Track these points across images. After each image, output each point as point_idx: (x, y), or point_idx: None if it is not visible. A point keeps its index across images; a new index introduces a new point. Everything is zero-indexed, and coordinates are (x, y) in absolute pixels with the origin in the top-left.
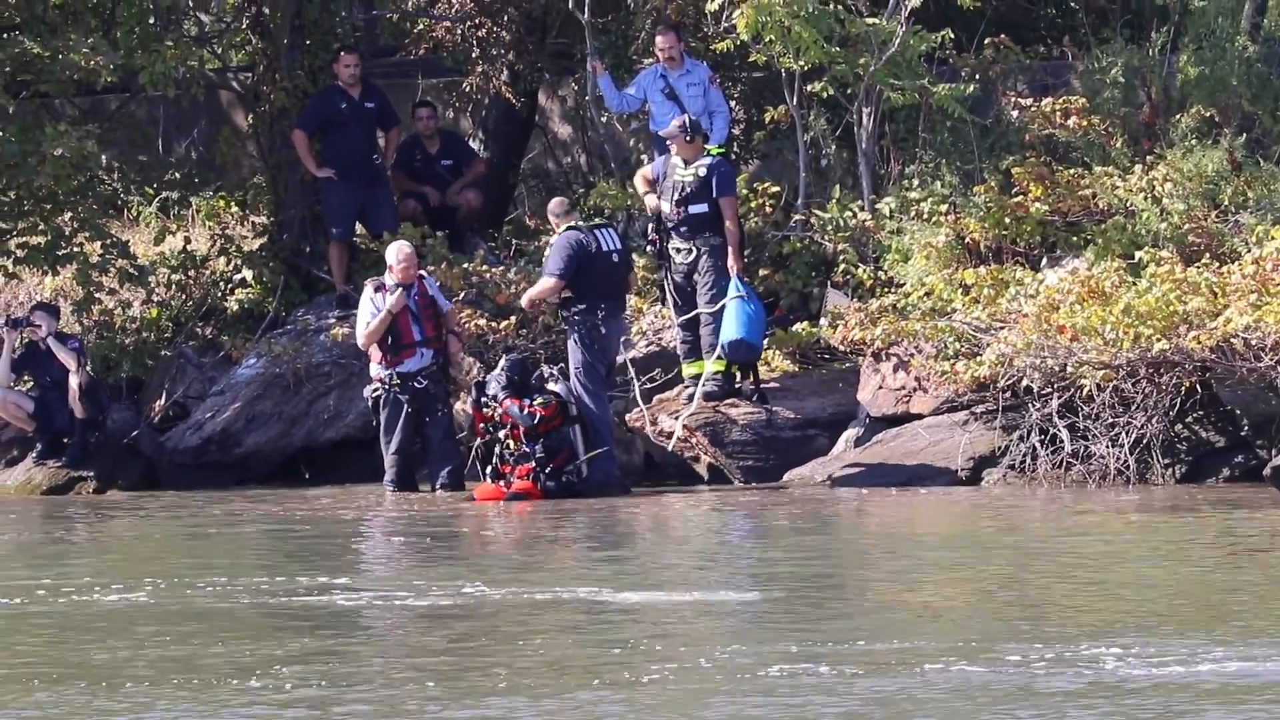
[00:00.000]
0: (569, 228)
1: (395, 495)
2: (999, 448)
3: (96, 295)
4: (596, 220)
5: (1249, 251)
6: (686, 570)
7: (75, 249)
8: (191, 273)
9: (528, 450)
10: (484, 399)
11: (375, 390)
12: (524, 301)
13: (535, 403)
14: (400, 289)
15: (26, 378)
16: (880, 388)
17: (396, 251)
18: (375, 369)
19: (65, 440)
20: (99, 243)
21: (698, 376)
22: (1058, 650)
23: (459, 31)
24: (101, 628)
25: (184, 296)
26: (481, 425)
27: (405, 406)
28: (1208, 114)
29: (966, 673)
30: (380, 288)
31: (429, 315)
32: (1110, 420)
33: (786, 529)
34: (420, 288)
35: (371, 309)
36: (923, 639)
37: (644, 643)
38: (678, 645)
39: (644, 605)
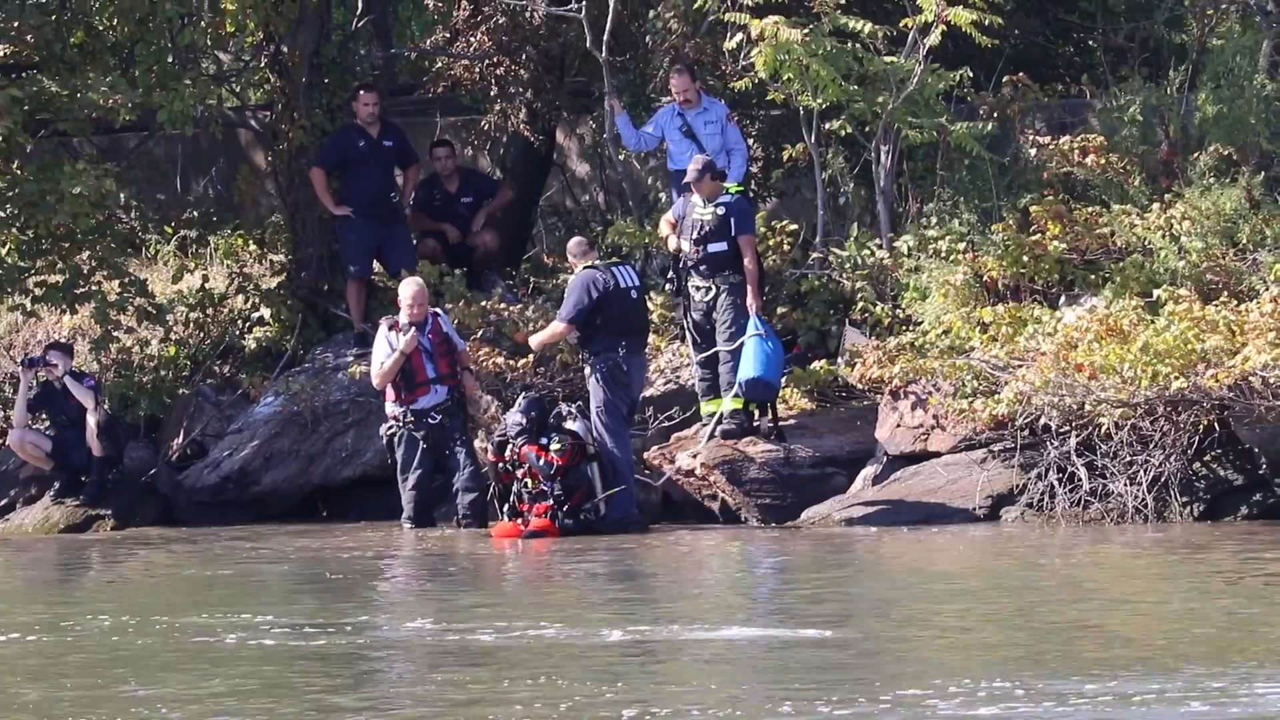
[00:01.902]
0: (587, 266)
1: (412, 532)
2: (1017, 486)
3: (114, 334)
4: (614, 258)
5: (1267, 289)
6: (694, 608)
7: (93, 287)
8: (209, 311)
9: (545, 489)
10: (503, 439)
11: (390, 428)
12: (533, 344)
13: (553, 449)
14: (413, 328)
15: (43, 416)
16: (898, 426)
17: (406, 292)
18: (390, 407)
19: (83, 478)
20: (117, 281)
21: (716, 414)
22: (1059, 687)
23: (477, 70)
24: (92, 664)
25: (202, 335)
26: (500, 466)
27: (421, 443)
28: (1226, 152)
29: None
30: (394, 326)
31: (443, 352)
32: (1128, 458)
33: (800, 567)
34: (434, 325)
35: (386, 348)
36: (923, 676)
37: (625, 681)
38: (666, 684)
39: (640, 643)
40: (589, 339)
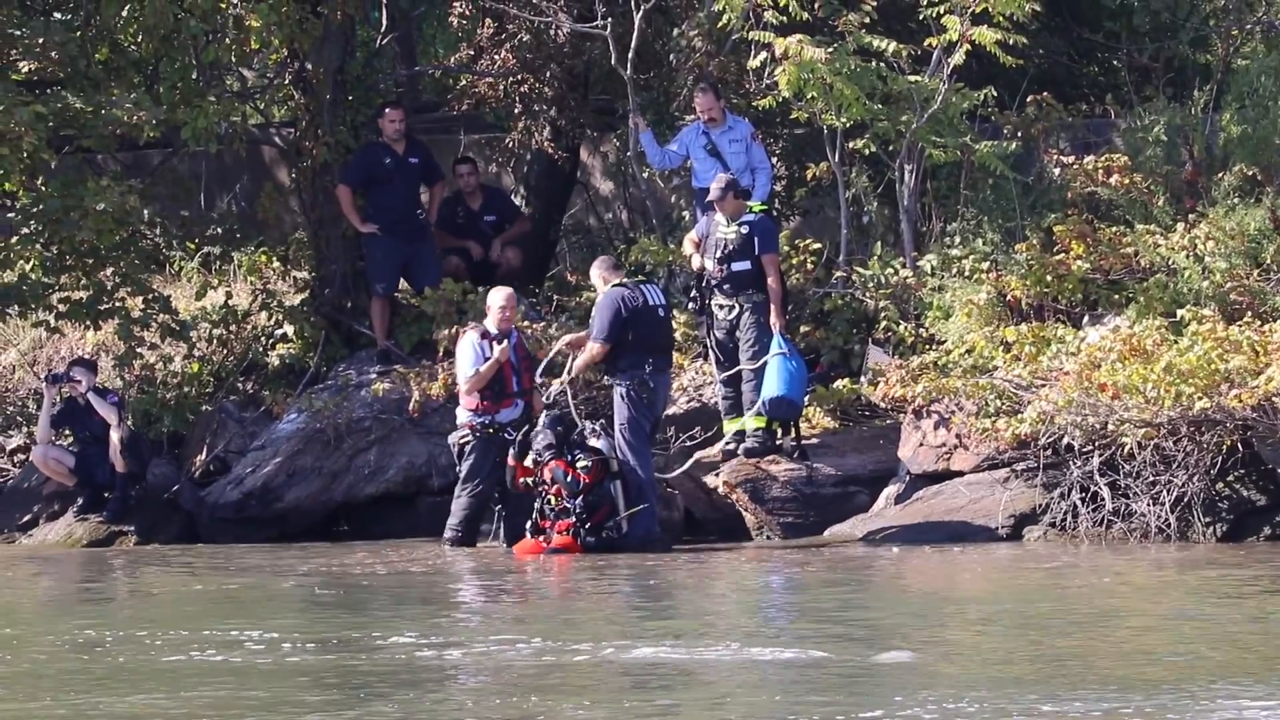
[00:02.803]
0: (615, 285)
1: (453, 551)
2: (1040, 505)
3: (138, 350)
4: (640, 277)
5: None
6: (712, 628)
7: (117, 304)
8: (233, 328)
9: (569, 506)
10: (528, 455)
11: (464, 436)
12: (577, 367)
13: (579, 466)
14: (505, 339)
15: (66, 433)
16: (921, 445)
17: (498, 299)
18: (466, 415)
19: (106, 495)
20: (140, 297)
21: (739, 433)
22: (1071, 707)
23: (501, 87)
24: (138, 682)
25: (225, 351)
26: (523, 481)
27: (495, 455)
28: (1250, 173)
29: None
30: (485, 335)
31: (526, 367)
32: (1151, 478)
33: (821, 587)
34: (518, 339)
35: (475, 355)
36: (936, 697)
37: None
38: (676, 705)
39: (667, 662)
40: (616, 357)
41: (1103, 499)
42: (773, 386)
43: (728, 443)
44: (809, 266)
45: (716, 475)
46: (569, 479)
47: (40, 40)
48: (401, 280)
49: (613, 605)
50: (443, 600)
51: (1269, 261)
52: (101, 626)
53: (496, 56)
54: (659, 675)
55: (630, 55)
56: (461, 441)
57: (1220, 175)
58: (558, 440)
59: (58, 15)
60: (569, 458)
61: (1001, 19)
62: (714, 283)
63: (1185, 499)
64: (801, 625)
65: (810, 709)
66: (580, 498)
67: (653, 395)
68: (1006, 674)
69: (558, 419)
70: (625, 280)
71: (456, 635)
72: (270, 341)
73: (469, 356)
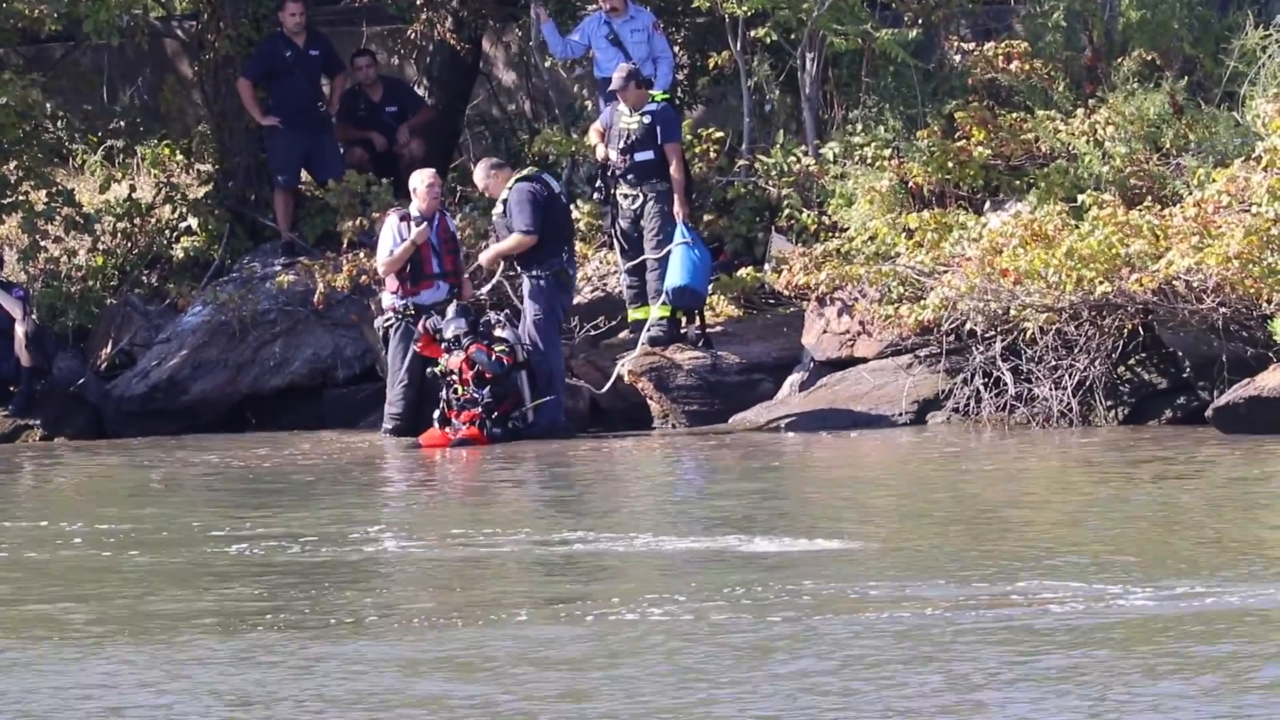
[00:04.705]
0: (520, 179)
1: (393, 440)
2: (943, 391)
3: (42, 243)
4: (536, 168)
5: (1190, 194)
6: (629, 515)
7: (20, 198)
8: (137, 221)
9: (475, 396)
10: (442, 341)
11: (388, 320)
12: (486, 258)
13: (498, 349)
14: (424, 222)
15: None
16: (824, 332)
17: (423, 179)
18: (389, 299)
19: (11, 388)
20: (44, 191)
21: (643, 322)
22: (978, 589)
23: None
24: (64, 577)
25: (130, 245)
26: (430, 370)
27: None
28: (1149, 57)
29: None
30: (405, 217)
31: (449, 249)
32: (1053, 363)
33: (729, 473)
34: (441, 221)
35: (394, 238)
36: (856, 580)
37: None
38: (610, 589)
39: (583, 552)
40: (532, 249)
41: (1005, 384)
42: (676, 275)
43: (631, 332)
44: (712, 155)
45: (621, 364)
46: (492, 360)
47: None
48: (304, 173)
49: (524, 497)
50: (352, 493)
51: (1168, 146)
52: (108, 520)
53: None
54: (577, 565)
55: None
56: (385, 325)
57: (1120, 60)
58: (470, 327)
59: None
60: (486, 343)
61: None
62: (618, 173)
63: (1087, 383)
64: (714, 514)
65: (727, 594)
66: (487, 387)
67: (571, 283)
68: (918, 558)
69: (465, 309)
70: (527, 173)
71: (367, 528)
72: (175, 234)
73: (386, 240)
